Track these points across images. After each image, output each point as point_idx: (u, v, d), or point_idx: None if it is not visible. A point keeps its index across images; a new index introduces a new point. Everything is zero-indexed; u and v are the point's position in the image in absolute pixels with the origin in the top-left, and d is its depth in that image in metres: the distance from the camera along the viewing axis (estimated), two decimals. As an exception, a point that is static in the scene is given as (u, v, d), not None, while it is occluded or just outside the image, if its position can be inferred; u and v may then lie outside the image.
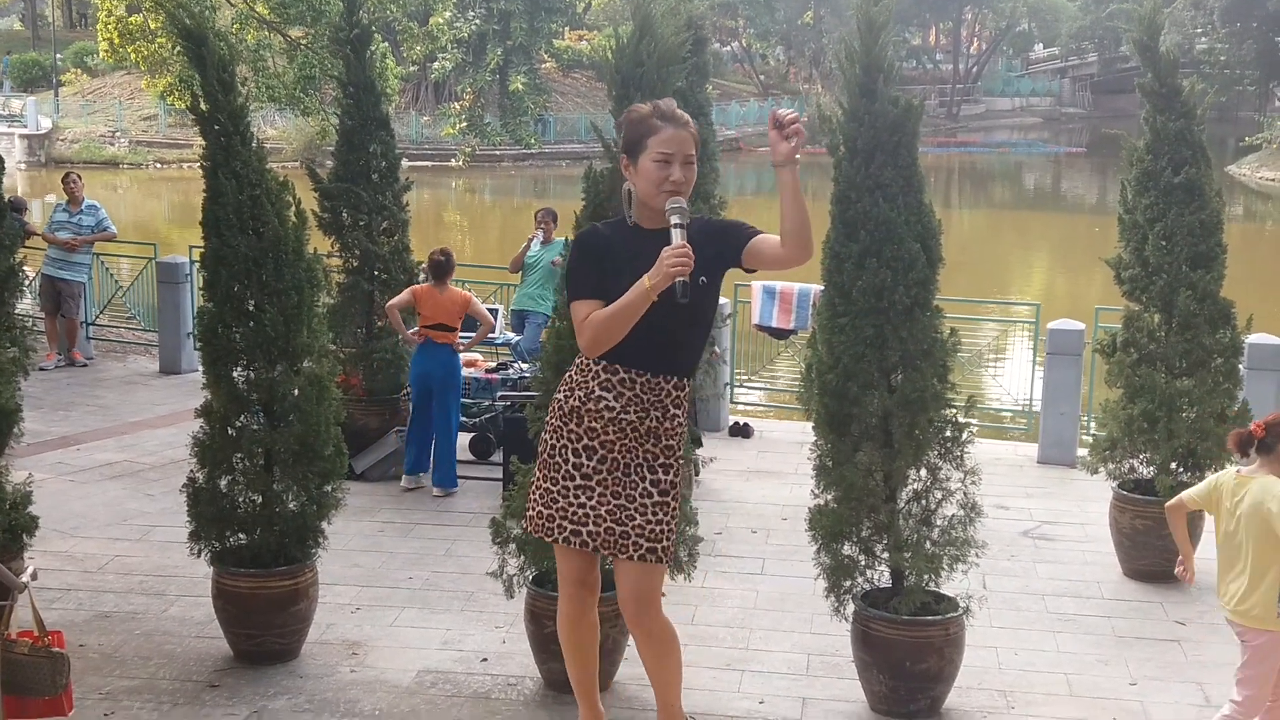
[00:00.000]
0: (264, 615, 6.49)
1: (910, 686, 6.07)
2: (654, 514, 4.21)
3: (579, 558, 4.29)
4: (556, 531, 4.26)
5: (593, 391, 4.19)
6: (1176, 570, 5.89)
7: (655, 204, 4.16)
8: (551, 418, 4.30)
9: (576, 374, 4.28)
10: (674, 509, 4.26)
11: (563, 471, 4.24)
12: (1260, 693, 5.35)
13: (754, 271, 4.49)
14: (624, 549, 4.20)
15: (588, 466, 4.22)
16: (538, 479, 4.32)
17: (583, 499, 4.22)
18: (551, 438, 4.30)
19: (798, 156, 4.08)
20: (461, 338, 9.86)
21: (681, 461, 4.31)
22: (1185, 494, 5.74)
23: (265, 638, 6.53)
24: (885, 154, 5.97)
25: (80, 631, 6.85)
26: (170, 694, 6.21)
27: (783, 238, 4.16)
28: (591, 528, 4.22)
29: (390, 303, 9.87)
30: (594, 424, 4.19)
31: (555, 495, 4.25)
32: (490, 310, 11.86)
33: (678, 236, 4.04)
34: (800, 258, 4.20)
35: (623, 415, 4.18)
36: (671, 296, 3.97)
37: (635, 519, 4.20)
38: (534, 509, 4.31)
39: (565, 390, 4.29)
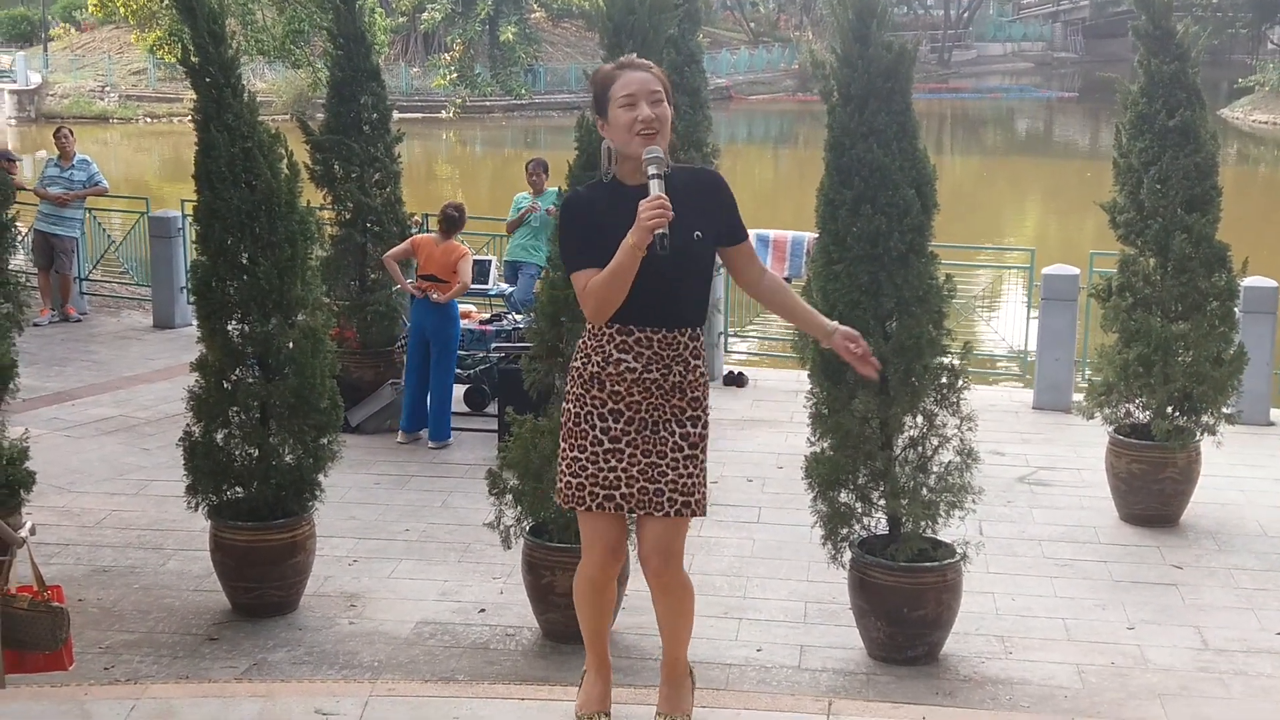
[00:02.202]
0: (262, 568, 6.51)
1: (908, 633, 6.09)
2: (685, 467, 4.20)
3: (611, 524, 4.26)
4: (589, 499, 4.23)
5: (611, 355, 4.16)
6: None
7: (632, 150, 4.10)
8: (572, 386, 4.26)
9: (590, 340, 4.23)
10: (703, 461, 4.25)
11: (590, 438, 4.21)
12: None
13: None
14: (659, 505, 4.19)
15: (615, 429, 4.18)
16: (564, 449, 4.28)
17: (613, 462, 4.19)
18: (575, 405, 4.25)
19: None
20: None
21: (708, 412, 4.30)
22: None
23: (264, 590, 6.55)
24: (879, 100, 5.93)
25: (79, 586, 6.86)
26: (170, 647, 6.24)
27: (776, 297, 4.37)
28: (624, 489, 4.19)
29: (388, 253, 9.86)
30: (618, 387, 4.16)
31: (585, 463, 4.21)
32: (484, 261, 11.84)
33: (654, 188, 3.98)
34: (760, 300, 4.44)
35: (645, 374, 4.14)
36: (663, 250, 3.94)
37: (668, 474, 4.18)
38: (563, 479, 4.28)
39: (582, 358, 4.24)
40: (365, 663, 6.13)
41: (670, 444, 4.20)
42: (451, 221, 9.76)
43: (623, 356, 4.15)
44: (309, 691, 4.87)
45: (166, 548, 7.54)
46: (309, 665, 6.09)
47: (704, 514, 4.32)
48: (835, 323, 4.36)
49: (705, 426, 4.27)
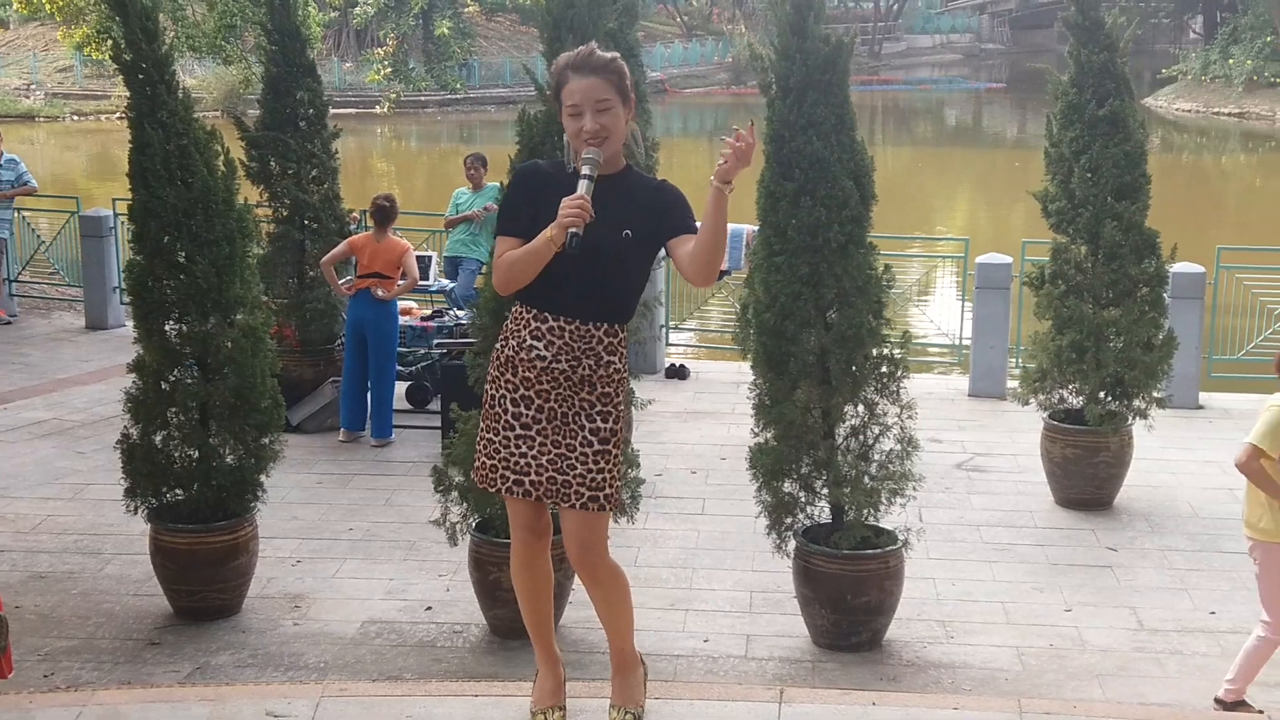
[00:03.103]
0: (204, 571, 6.45)
1: (852, 620, 6.16)
2: (595, 462, 4.21)
3: (526, 505, 4.30)
4: (500, 481, 4.26)
5: (525, 340, 4.19)
6: None
7: (580, 150, 4.15)
8: (491, 367, 4.29)
9: (511, 323, 4.27)
10: (616, 456, 4.26)
11: (503, 421, 4.24)
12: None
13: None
14: (566, 498, 4.22)
15: (526, 416, 4.21)
16: (481, 429, 4.32)
17: (523, 448, 4.22)
18: (491, 387, 4.29)
19: (732, 184, 4.02)
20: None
21: (623, 409, 4.31)
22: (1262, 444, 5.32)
23: (206, 593, 6.50)
24: (818, 92, 5.99)
25: (16, 593, 6.77)
26: (110, 653, 6.17)
27: (691, 259, 4.10)
28: (534, 477, 4.22)
29: (325, 257, 9.78)
30: (528, 373, 4.19)
31: (498, 445, 4.25)
32: (424, 257, 11.79)
33: (581, 187, 4.03)
34: (697, 282, 4.19)
35: (554, 364, 4.17)
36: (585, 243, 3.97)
37: (576, 468, 4.20)
38: (479, 459, 4.31)
39: (502, 339, 4.29)
40: (311, 664, 6.10)
41: (580, 438, 4.22)
42: (384, 213, 9.66)
43: (535, 343, 4.18)
44: (259, 694, 4.85)
45: (105, 552, 7.46)
46: (254, 668, 6.05)
47: (616, 509, 4.35)
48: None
49: (618, 422, 4.28)
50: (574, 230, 3.96)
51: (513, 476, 4.25)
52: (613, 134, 4.13)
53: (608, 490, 4.25)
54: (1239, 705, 5.47)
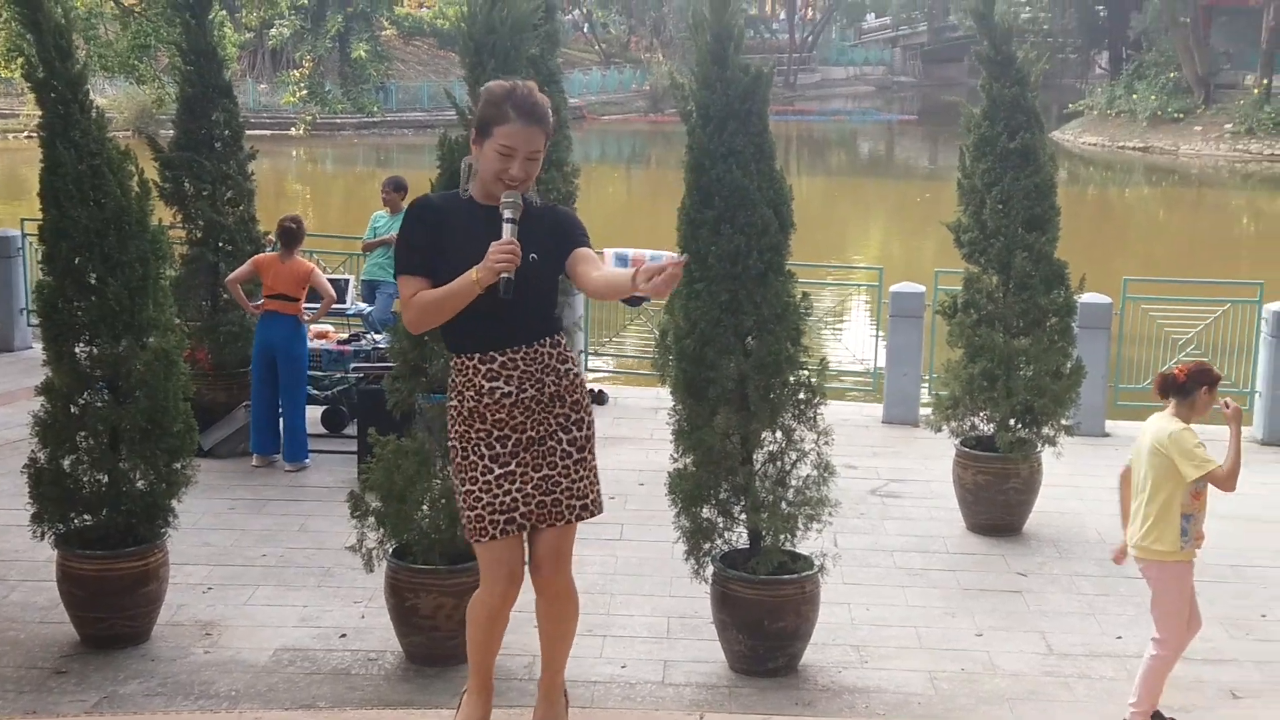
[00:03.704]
0: (112, 598, 6.34)
1: (768, 645, 6.19)
2: (577, 472, 4.24)
3: (511, 550, 4.26)
4: (490, 528, 4.22)
5: (483, 386, 4.18)
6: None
7: (493, 190, 4.16)
8: (454, 425, 4.26)
9: (458, 375, 4.25)
10: (591, 461, 4.29)
11: (480, 469, 4.21)
12: (1179, 624, 5.55)
13: None
14: (559, 515, 4.23)
15: (505, 455, 4.20)
16: (457, 485, 4.29)
17: (506, 486, 4.20)
18: (460, 442, 4.26)
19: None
20: (307, 308, 9.70)
21: (590, 410, 4.34)
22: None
23: (114, 621, 6.38)
24: (737, 121, 6.05)
25: (-82, 620, 6.62)
26: (15, 681, 6.04)
27: (592, 285, 4.13)
28: (523, 509, 4.21)
29: (231, 276, 9.68)
30: (499, 415, 4.18)
31: (479, 494, 4.22)
32: (340, 281, 11.71)
33: (508, 232, 4.04)
34: (591, 295, 4.30)
35: (521, 394, 4.17)
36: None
37: (561, 483, 4.21)
38: (464, 515, 4.29)
39: (456, 395, 4.25)
40: (222, 692, 6.01)
41: (559, 452, 4.24)
42: (290, 234, 9.56)
43: (494, 384, 4.18)
44: (170, 721, 4.78)
45: (9, 579, 7.29)
46: (163, 697, 5.94)
47: (601, 510, 4.37)
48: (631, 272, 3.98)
49: (590, 427, 4.32)
50: (507, 275, 3.98)
51: (503, 518, 4.22)
52: (531, 180, 4.17)
53: (592, 495, 4.29)
54: None
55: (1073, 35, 59.16)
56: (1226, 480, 5.48)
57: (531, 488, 4.21)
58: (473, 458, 4.23)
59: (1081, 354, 8.69)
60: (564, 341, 4.31)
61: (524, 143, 4.10)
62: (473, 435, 4.22)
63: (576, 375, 4.31)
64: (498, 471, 4.20)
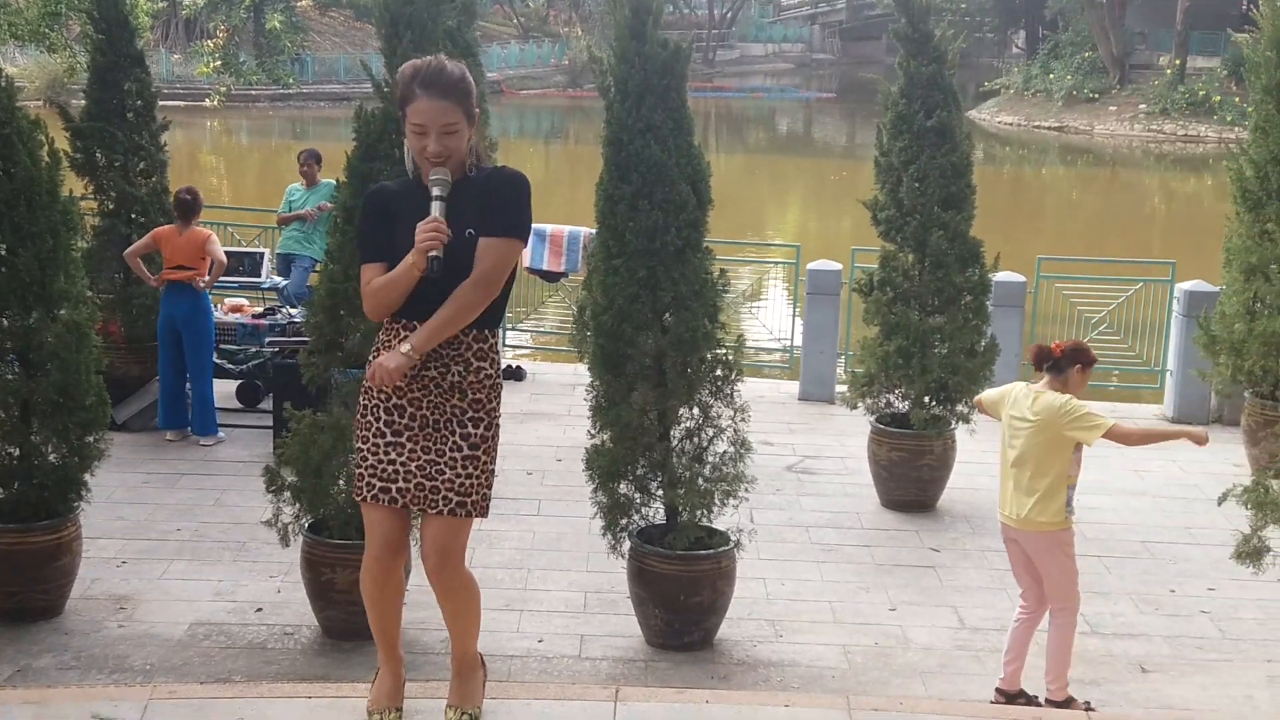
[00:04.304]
0: (25, 571, 6.27)
1: (684, 619, 6.25)
2: (464, 468, 4.22)
3: (389, 520, 4.26)
4: (366, 490, 4.23)
5: (395, 350, 4.18)
6: None
7: (422, 168, 4.17)
8: (365, 379, 4.28)
9: (382, 334, 4.28)
10: (485, 463, 4.28)
11: (374, 430, 4.22)
12: (1075, 586, 5.71)
13: None
14: (434, 503, 4.21)
15: (399, 424, 4.21)
16: (355, 442, 4.30)
17: (392, 455, 4.21)
18: (364, 398, 4.28)
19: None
20: (230, 284, 9.61)
21: (496, 415, 4.33)
22: (984, 394, 6.20)
23: (27, 594, 6.32)
24: (655, 96, 6.06)
25: None
26: (-75, 656, 5.96)
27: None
28: (401, 484, 4.21)
29: (129, 249, 9.55)
30: (399, 382, 4.19)
31: (366, 454, 4.23)
32: (255, 254, 11.59)
33: (435, 209, 4.06)
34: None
35: (424, 371, 4.18)
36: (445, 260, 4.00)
37: (445, 473, 4.21)
38: (356, 470, 4.30)
39: (374, 351, 4.27)
40: (137, 666, 5.97)
41: (450, 443, 4.23)
42: (186, 206, 9.45)
43: None
44: (85, 696, 4.74)
45: (-82, 553, 7.18)
46: (77, 670, 5.89)
47: (484, 515, 4.36)
48: (416, 348, 4.15)
49: (489, 429, 4.30)
50: (434, 254, 3.99)
51: (379, 484, 4.22)
52: (455, 154, 4.15)
53: (475, 496, 4.27)
54: (1070, 702, 5.69)
55: (990, 14, 59.73)
56: (1128, 434, 5.65)
57: (415, 467, 4.22)
58: (369, 418, 4.25)
59: (995, 332, 8.81)
60: (492, 340, 4.31)
61: (434, 117, 4.09)
62: (374, 394, 4.25)
63: (490, 377, 4.29)
64: (388, 438, 4.22)
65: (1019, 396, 5.73)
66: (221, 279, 9.66)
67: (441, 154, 4.11)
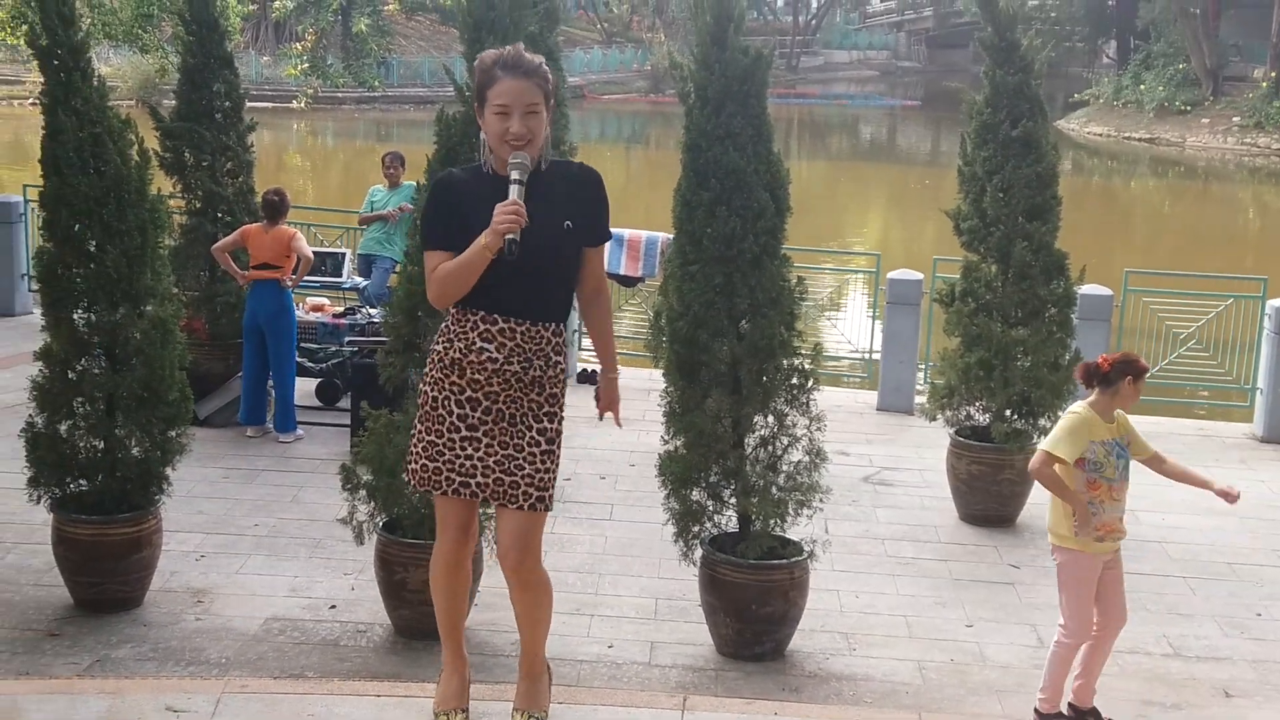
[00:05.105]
0: (106, 562, 6.36)
1: (756, 629, 6.20)
2: (541, 462, 4.25)
3: (463, 506, 4.29)
4: (445, 484, 4.24)
5: (474, 343, 4.18)
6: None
7: (501, 154, 4.16)
8: (431, 370, 4.27)
9: (455, 325, 4.25)
10: (557, 456, 4.31)
11: (447, 424, 4.23)
12: (1079, 614, 5.48)
13: None
14: (513, 498, 4.23)
15: (473, 418, 4.21)
16: (419, 431, 4.29)
17: (469, 450, 4.22)
18: (433, 389, 4.27)
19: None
20: (312, 283, 9.73)
21: (563, 408, 4.34)
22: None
23: (108, 585, 6.41)
24: (735, 103, 6.03)
25: (-89, 582, 6.64)
26: (8, 643, 6.05)
27: (591, 308, 4.51)
28: (480, 478, 4.22)
29: (217, 245, 9.71)
30: (477, 375, 4.19)
31: (441, 448, 4.24)
32: (337, 254, 11.70)
33: (513, 192, 4.05)
34: (582, 302, 4.58)
35: (506, 366, 4.18)
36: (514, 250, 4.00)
37: (524, 468, 4.22)
38: (417, 462, 4.29)
39: (444, 341, 4.26)
40: (212, 659, 6.03)
41: (527, 438, 4.24)
42: (274, 207, 9.59)
43: (485, 345, 4.18)
44: (159, 689, 4.80)
45: (5, 541, 7.31)
46: (154, 662, 5.96)
47: (550, 509, 4.38)
48: (616, 368, 4.53)
49: (561, 423, 4.33)
50: (511, 237, 3.98)
51: (458, 478, 4.24)
52: (536, 137, 4.16)
53: (550, 490, 4.30)
54: (1056, 716, 5.57)
55: (1080, 24, 58.98)
56: (1033, 461, 5.40)
57: (494, 462, 4.23)
58: (441, 410, 4.24)
59: (1080, 346, 8.66)
60: (563, 335, 4.34)
61: (516, 96, 4.10)
62: (447, 387, 4.24)
63: (563, 370, 4.34)
64: (464, 432, 4.22)
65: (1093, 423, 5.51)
66: (304, 278, 9.77)
67: (523, 135, 4.11)
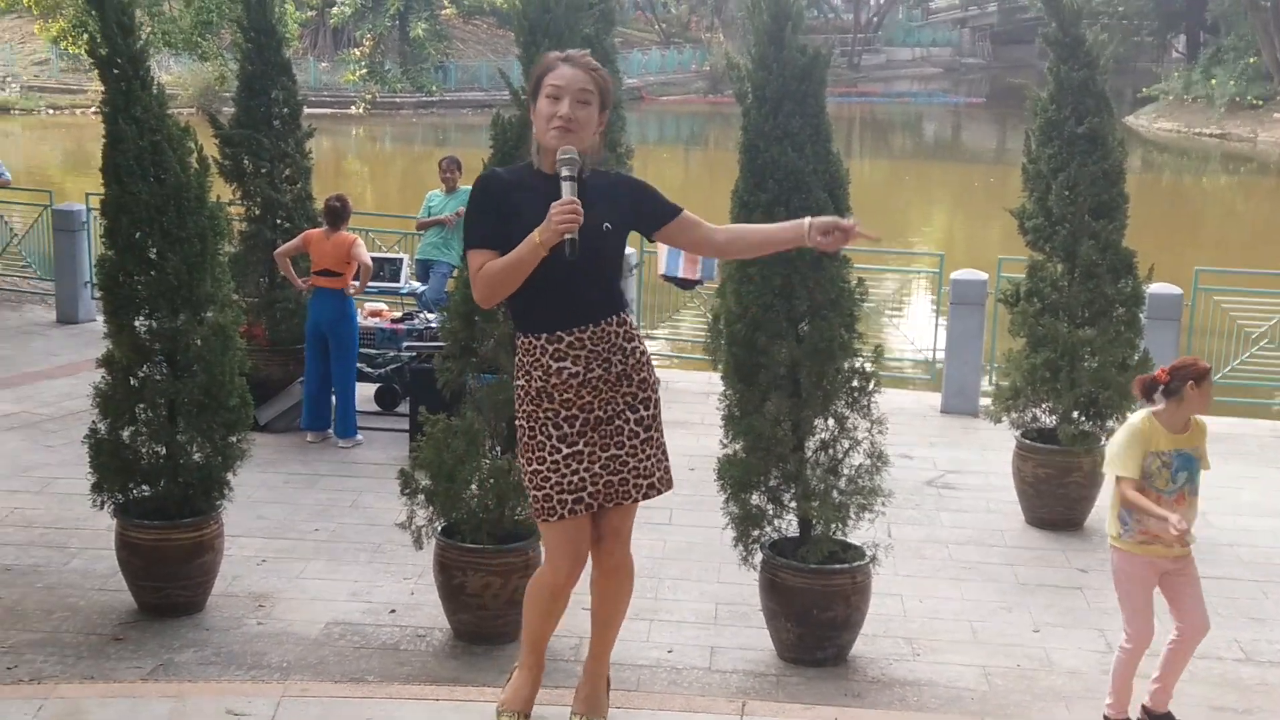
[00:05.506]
0: (169, 567, 6.41)
1: (817, 634, 6.14)
2: (644, 451, 4.23)
3: (578, 530, 4.25)
4: (559, 508, 4.21)
5: (550, 366, 4.15)
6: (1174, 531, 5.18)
7: (547, 142, 4.11)
8: (521, 405, 4.25)
9: (525, 355, 4.22)
10: (659, 439, 4.28)
11: (548, 449, 4.20)
12: (1134, 617, 5.39)
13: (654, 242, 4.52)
14: (626, 494, 4.23)
15: (572, 435, 4.18)
16: (524, 465, 4.28)
17: (575, 466, 4.19)
18: (528, 421, 4.24)
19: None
20: (370, 289, 9.78)
21: (657, 387, 4.31)
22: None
23: (170, 590, 6.45)
24: (793, 102, 5.98)
25: (-21, 586, 6.71)
26: (74, 647, 6.12)
27: (735, 243, 4.29)
28: (590, 489, 4.20)
29: (279, 249, 9.77)
30: (566, 394, 4.16)
31: (546, 474, 4.20)
32: (395, 259, 11.74)
33: (567, 190, 3.99)
34: (729, 253, 4.69)
35: (589, 374, 4.15)
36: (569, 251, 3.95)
37: (629, 463, 4.21)
38: (531, 495, 4.29)
39: (523, 375, 4.23)
40: (274, 663, 6.05)
41: (626, 431, 4.22)
42: (335, 213, 9.65)
43: (561, 364, 4.15)
44: (220, 692, 4.82)
45: (70, 546, 7.40)
46: (216, 666, 6.00)
47: (671, 487, 4.36)
48: (807, 219, 4.25)
49: (657, 405, 4.31)
50: (571, 236, 3.93)
51: (570, 498, 4.21)
52: (584, 129, 4.11)
53: (659, 473, 4.29)
54: None
55: (1148, 18, 58.21)
56: (1118, 492, 5.29)
57: (599, 467, 4.20)
58: (540, 437, 4.21)
59: (1149, 346, 8.53)
60: (630, 319, 4.29)
61: (571, 82, 4.08)
62: (540, 415, 4.20)
63: (643, 353, 4.29)
64: (565, 451, 4.18)
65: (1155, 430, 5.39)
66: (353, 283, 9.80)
67: (572, 121, 4.07)
